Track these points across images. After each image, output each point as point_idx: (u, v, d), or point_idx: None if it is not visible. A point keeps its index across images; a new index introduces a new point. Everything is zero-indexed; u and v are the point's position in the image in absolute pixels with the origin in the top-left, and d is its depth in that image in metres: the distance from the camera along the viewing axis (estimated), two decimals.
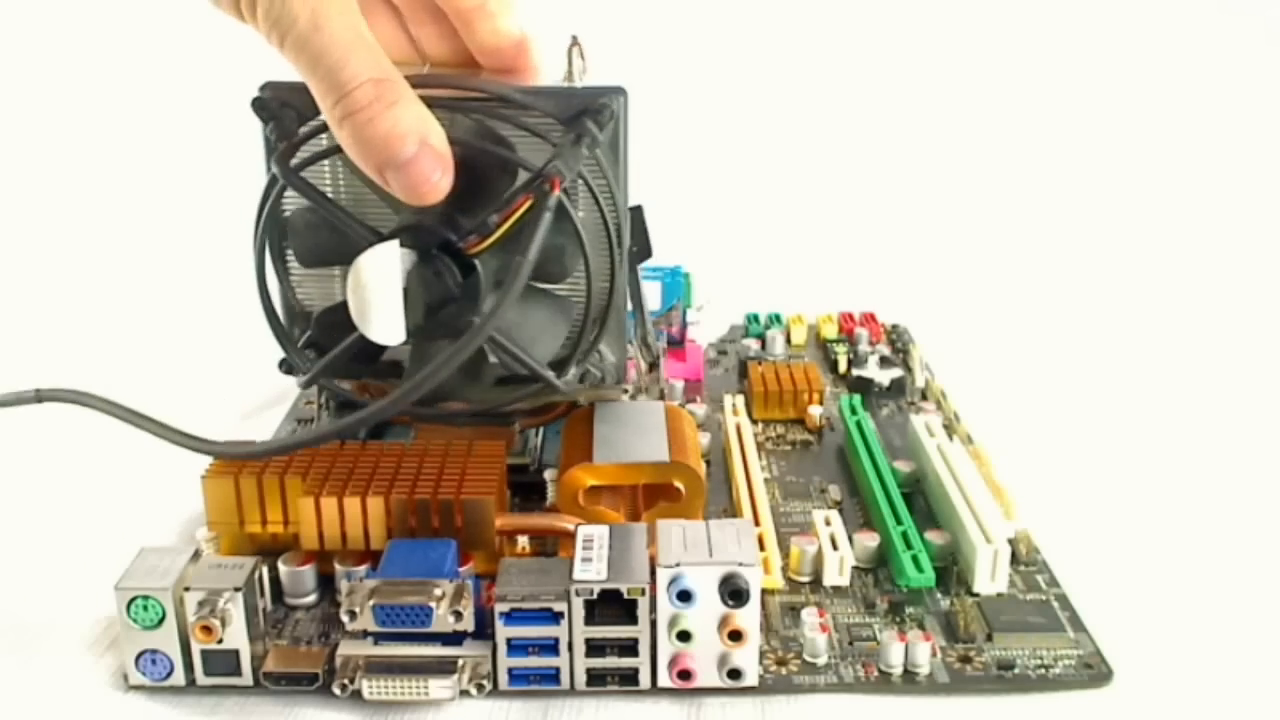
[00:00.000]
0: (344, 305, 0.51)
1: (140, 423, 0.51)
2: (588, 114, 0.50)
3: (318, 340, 0.54)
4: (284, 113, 0.51)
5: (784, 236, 1.02)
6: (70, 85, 1.08)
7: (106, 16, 1.07)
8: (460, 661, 0.46)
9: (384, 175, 0.46)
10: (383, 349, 0.52)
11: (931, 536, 0.55)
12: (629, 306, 0.57)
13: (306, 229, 0.53)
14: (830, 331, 0.84)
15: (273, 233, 0.54)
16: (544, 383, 0.51)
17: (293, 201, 0.53)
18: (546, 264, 0.49)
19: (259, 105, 0.51)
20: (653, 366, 0.62)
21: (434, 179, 0.46)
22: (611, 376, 0.55)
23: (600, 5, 0.76)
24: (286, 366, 0.55)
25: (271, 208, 0.52)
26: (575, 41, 0.53)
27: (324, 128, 0.51)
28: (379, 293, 0.47)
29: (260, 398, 0.76)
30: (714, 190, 1.03)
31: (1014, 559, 0.54)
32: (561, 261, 0.51)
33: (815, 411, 0.70)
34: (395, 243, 0.47)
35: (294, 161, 0.51)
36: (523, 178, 0.49)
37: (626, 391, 0.59)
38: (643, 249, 0.57)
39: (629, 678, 0.47)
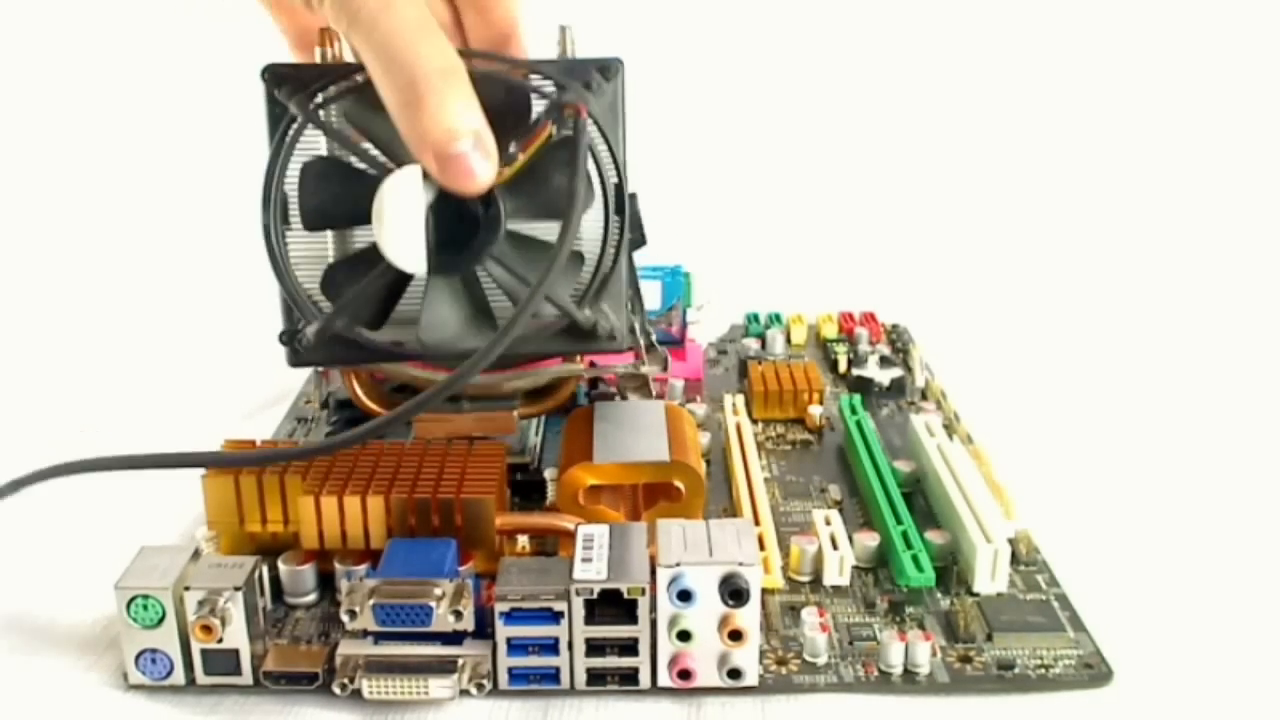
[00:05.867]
0: (352, 262, 0.51)
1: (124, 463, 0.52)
2: (593, 66, 0.52)
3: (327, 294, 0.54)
4: (298, 74, 0.52)
5: (784, 236, 1.02)
6: (61, 87, 1.07)
7: (99, 15, 1.07)
8: (460, 661, 0.46)
9: (432, 161, 0.47)
10: (388, 312, 0.52)
11: (931, 536, 0.55)
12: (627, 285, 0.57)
13: (318, 179, 0.52)
14: (830, 331, 0.84)
15: (275, 206, 0.53)
16: (565, 316, 0.51)
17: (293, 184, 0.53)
18: (559, 203, 0.49)
19: (270, 71, 0.51)
20: (650, 348, 0.62)
21: (479, 172, 0.47)
22: (614, 337, 0.55)
23: (600, 3, 0.76)
24: (287, 336, 0.54)
25: (282, 163, 0.52)
26: (565, 31, 0.54)
27: (345, 73, 0.51)
28: (403, 217, 0.48)
29: (261, 397, 0.76)
30: (714, 189, 1.03)
31: (1014, 559, 0.54)
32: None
33: (815, 411, 0.70)
34: (417, 167, 0.48)
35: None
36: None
37: (634, 366, 0.60)
38: (637, 237, 0.57)
39: (629, 677, 0.47)
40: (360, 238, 0.54)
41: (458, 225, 0.50)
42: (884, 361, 0.78)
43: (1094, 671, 0.48)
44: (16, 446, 0.69)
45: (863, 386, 0.75)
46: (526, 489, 0.61)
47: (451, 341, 0.51)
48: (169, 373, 0.81)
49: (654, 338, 0.61)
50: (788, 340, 0.83)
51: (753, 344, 0.83)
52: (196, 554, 0.48)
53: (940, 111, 1.08)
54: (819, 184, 1.06)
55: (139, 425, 0.73)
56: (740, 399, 0.70)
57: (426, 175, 0.48)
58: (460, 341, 0.51)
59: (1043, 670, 0.48)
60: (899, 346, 0.81)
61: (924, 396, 0.74)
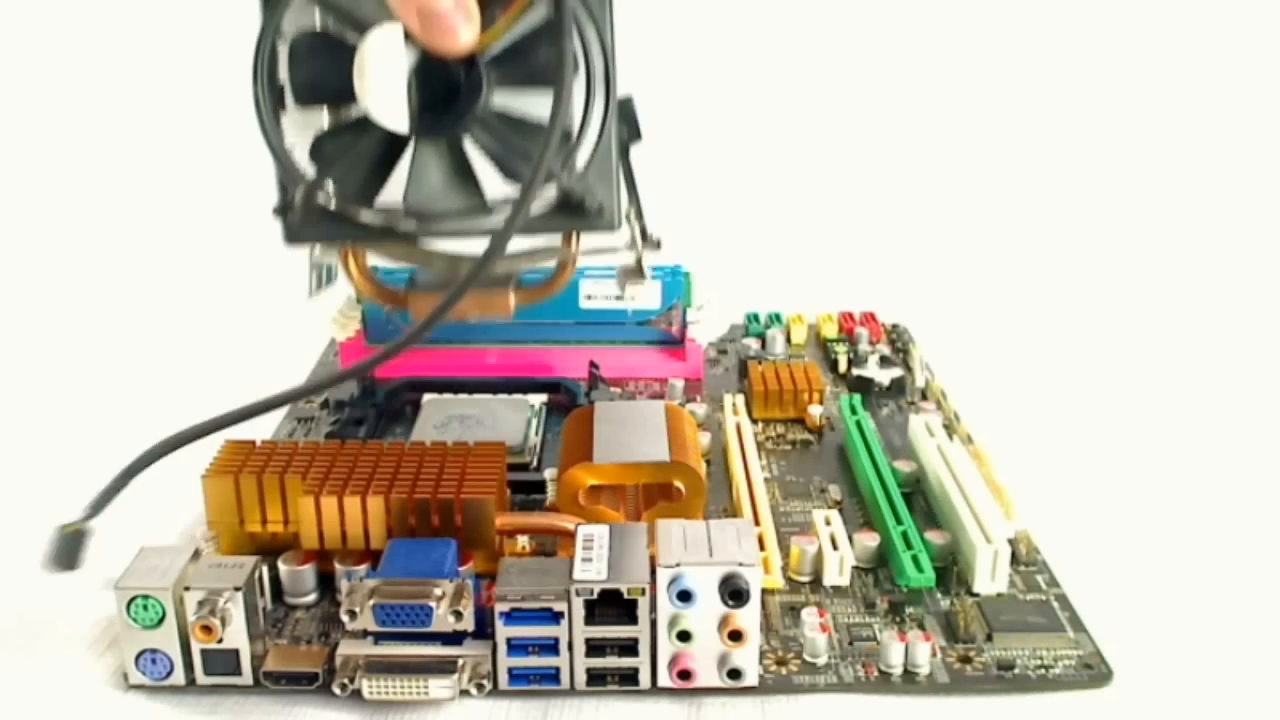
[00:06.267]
0: (339, 130, 0.51)
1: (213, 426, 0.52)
2: None
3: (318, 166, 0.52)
4: None
5: (784, 236, 1.02)
6: (59, 85, 1.07)
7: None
8: (460, 661, 0.46)
9: (414, 18, 0.47)
10: (378, 184, 0.52)
11: (931, 536, 0.55)
12: (622, 169, 0.55)
13: (308, 54, 0.52)
14: (830, 331, 0.84)
15: (263, 67, 0.52)
16: (551, 179, 0.51)
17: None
18: (546, 73, 0.49)
19: None
20: (645, 237, 0.61)
21: (460, 31, 0.48)
22: (603, 213, 0.54)
23: None
24: (280, 209, 0.53)
25: (274, 30, 0.51)
26: None
27: None
28: (384, 70, 0.48)
29: (261, 397, 0.76)
30: (714, 190, 1.03)
31: (1014, 559, 0.54)
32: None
33: (815, 411, 0.70)
34: (399, 24, 0.48)
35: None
36: None
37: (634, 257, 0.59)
38: (633, 134, 0.57)
39: (629, 678, 0.47)
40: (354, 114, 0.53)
41: (440, 91, 0.50)
42: (884, 361, 0.78)
43: (1094, 671, 0.48)
44: (17, 447, 0.70)
45: (863, 386, 0.75)
46: (526, 489, 0.61)
47: (437, 203, 0.51)
48: (169, 372, 0.81)
49: (650, 231, 0.61)
50: (788, 340, 0.83)
51: (753, 344, 0.83)
52: (196, 554, 0.48)
53: (940, 112, 1.08)
54: (819, 184, 1.06)
55: (140, 425, 0.72)
56: (740, 399, 0.70)
57: (409, 37, 0.48)
58: (446, 203, 0.51)
59: (1043, 670, 0.48)
60: (899, 346, 0.81)
61: (924, 396, 0.74)
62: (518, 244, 0.56)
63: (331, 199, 0.52)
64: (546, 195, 0.52)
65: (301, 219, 0.52)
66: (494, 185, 0.52)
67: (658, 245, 0.61)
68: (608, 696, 0.47)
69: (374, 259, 0.58)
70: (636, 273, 0.62)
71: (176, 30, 1.04)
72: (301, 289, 0.61)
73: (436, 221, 0.52)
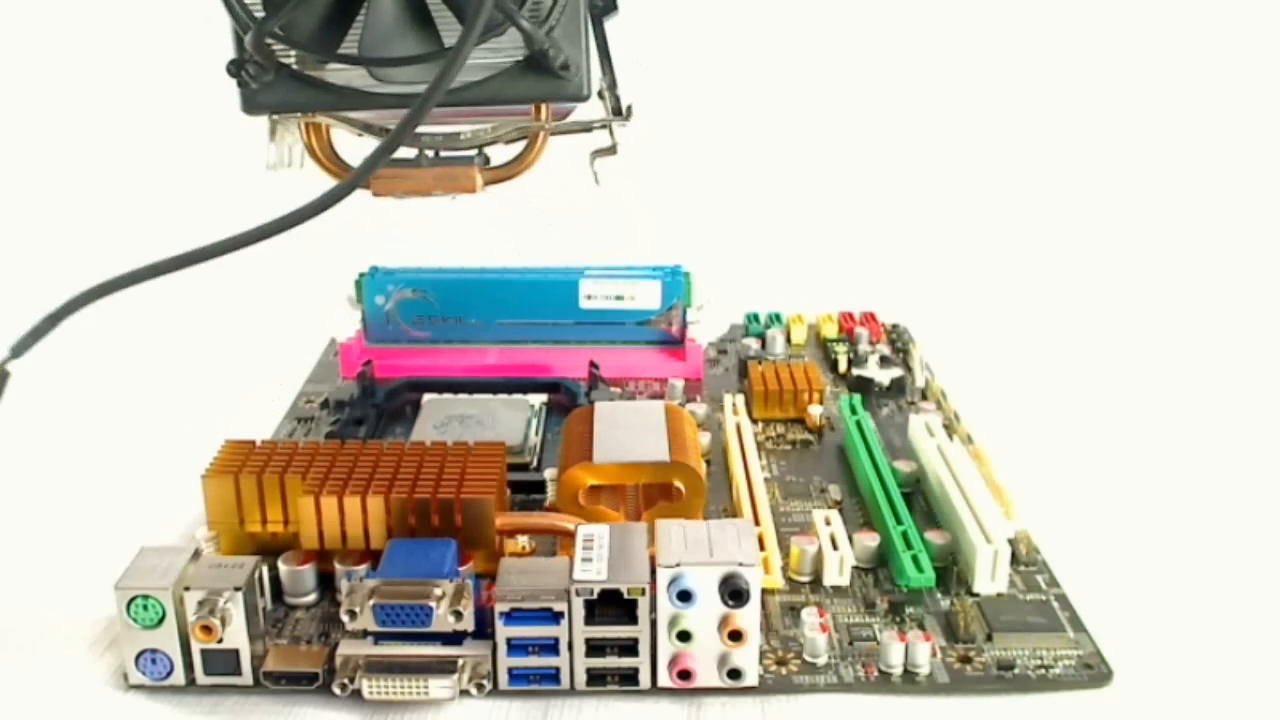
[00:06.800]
0: None
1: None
2: None
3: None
4: None
5: (784, 236, 1.02)
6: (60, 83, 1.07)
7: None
8: (460, 661, 0.46)
9: None
10: (334, 31, 0.50)
11: (931, 536, 0.55)
12: (592, 37, 0.54)
13: None
14: (830, 331, 0.84)
15: None
16: (509, 22, 0.49)
17: None
18: None
19: None
20: (618, 112, 0.60)
21: None
22: (569, 71, 0.52)
23: None
24: (235, 66, 0.51)
25: None
26: None
27: None
28: None
29: (261, 397, 0.76)
30: (714, 190, 1.03)
31: (1014, 559, 0.54)
32: None
33: (815, 411, 0.70)
34: None
35: None
36: None
37: (607, 126, 0.58)
38: (608, 3, 0.55)
39: (629, 678, 0.47)
40: None
41: None
42: (884, 361, 0.78)
43: (1094, 671, 0.48)
44: (15, 448, 0.70)
45: (863, 386, 0.75)
46: (526, 489, 0.61)
47: (393, 46, 0.49)
48: (169, 372, 0.81)
49: (622, 101, 0.59)
50: (788, 340, 0.83)
51: (753, 344, 0.83)
52: (196, 554, 0.48)
53: (939, 111, 1.08)
54: (818, 184, 1.06)
55: (140, 426, 0.73)
56: (740, 399, 0.70)
57: None
58: (402, 48, 0.49)
59: (1043, 670, 0.48)
60: (899, 346, 0.81)
61: (924, 396, 0.74)
62: (485, 124, 0.54)
63: (290, 57, 0.49)
64: (511, 49, 0.50)
65: (256, 76, 0.50)
66: (452, 35, 0.50)
67: (628, 115, 0.59)
68: (608, 696, 0.47)
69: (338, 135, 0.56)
70: (609, 150, 0.61)
71: (182, 28, 1.04)
72: (262, 162, 0.58)
73: (394, 76, 0.49)
